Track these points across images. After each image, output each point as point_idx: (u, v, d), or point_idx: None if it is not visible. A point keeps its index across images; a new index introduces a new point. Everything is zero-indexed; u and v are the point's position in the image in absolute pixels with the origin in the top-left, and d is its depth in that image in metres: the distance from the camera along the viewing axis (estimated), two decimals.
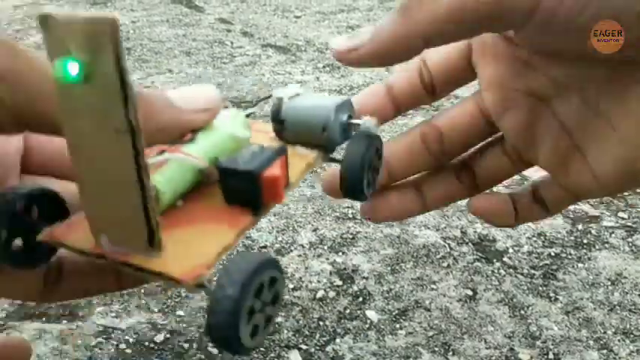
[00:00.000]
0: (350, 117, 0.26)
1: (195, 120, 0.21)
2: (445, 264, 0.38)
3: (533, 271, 0.37)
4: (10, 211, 0.19)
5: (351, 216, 0.42)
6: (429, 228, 0.41)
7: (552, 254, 0.39)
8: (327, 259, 0.37)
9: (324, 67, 0.72)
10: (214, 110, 0.22)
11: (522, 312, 0.34)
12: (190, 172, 0.21)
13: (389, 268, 0.37)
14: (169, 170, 0.21)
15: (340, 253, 0.38)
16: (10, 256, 0.20)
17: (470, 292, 0.35)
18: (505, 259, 0.38)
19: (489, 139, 0.33)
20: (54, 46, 0.16)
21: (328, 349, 0.31)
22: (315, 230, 0.40)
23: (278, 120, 0.26)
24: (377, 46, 0.25)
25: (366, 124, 0.26)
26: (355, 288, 0.35)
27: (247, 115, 0.29)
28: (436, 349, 0.31)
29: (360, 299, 0.34)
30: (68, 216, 0.20)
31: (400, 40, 0.25)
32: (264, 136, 0.27)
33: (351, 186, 0.26)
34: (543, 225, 0.42)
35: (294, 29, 0.86)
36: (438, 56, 0.29)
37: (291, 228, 0.41)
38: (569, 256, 0.39)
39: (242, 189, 0.21)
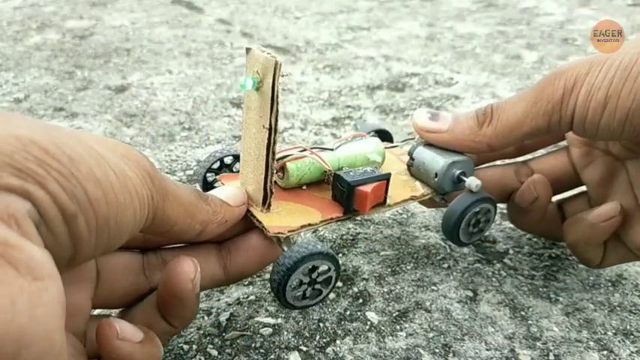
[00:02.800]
0: (463, 173, 0.31)
1: (240, 212, 0.27)
2: (445, 265, 0.38)
3: (533, 273, 0.37)
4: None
5: None
6: (429, 229, 0.41)
7: (553, 255, 0.39)
8: None
9: (323, 67, 0.72)
10: (245, 205, 0.28)
11: (523, 313, 0.34)
12: (317, 170, 0.30)
13: (389, 270, 0.37)
14: (302, 163, 0.29)
15: (340, 255, 0.38)
16: (208, 188, 0.32)
17: (470, 294, 0.35)
18: (506, 260, 0.38)
19: (578, 190, 0.36)
20: (249, 66, 0.25)
21: (328, 350, 0.30)
22: (315, 232, 0.40)
23: (411, 157, 0.33)
24: (451, 137, 0.31)
25: (468, 183, 0.31)
26: (355, 289, 0.35)
27: (392, 147, 0.36)
28: (437, 350, 0.31)
29: (360, 301, 0.34)
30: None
31: (468, 144, 0.31)
32: (400, 164, 0.34)
33: (445, 234, 0.32)
34: None
35: (294, 30, 0.86)
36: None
37: None
38: (570, 258, 0.39)
39: (342, 192, 0.29)
